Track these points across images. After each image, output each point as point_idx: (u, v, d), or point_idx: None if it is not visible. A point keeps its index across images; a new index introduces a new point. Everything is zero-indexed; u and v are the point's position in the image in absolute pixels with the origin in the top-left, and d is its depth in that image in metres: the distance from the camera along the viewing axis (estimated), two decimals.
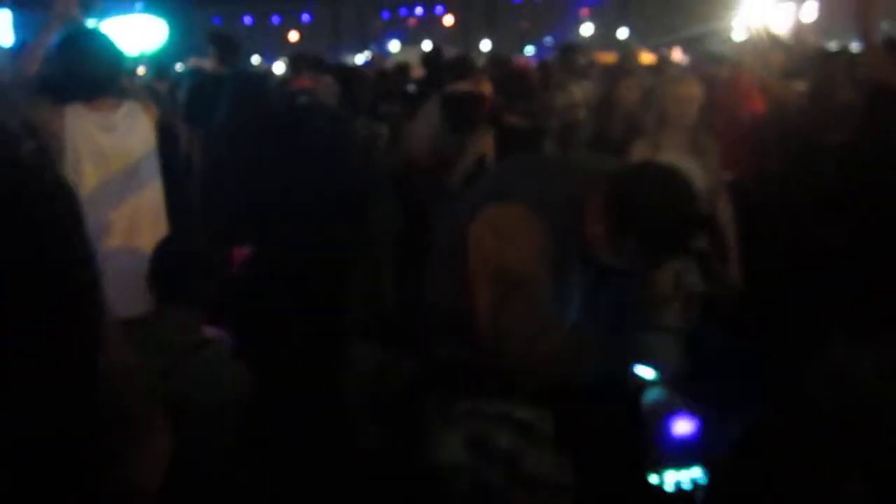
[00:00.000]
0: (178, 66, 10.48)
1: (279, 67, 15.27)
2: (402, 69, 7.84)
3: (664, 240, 1.97)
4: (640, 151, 3.95)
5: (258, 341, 3.50)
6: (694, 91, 4.16)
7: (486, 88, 5.38)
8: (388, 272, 4.94)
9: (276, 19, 33.66)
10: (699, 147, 4.12)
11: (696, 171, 3.65)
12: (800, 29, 12.08)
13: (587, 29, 30.22)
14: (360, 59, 21.66)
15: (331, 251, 4.37)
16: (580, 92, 6.02)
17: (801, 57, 5.74)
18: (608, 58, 13.08)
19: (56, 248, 0.87)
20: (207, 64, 6.38)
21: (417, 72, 8.82)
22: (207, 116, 5.08)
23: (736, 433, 1.94)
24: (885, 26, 5.84)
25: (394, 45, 30.64)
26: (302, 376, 3.33)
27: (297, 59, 6.49)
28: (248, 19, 32.16)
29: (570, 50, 7.01)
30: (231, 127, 4.49)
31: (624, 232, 1.98)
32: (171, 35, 8.04)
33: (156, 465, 1.17)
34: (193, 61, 12.89)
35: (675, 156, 3.71)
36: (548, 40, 31.72)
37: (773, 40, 5.70)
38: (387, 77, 7.33)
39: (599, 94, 5.65)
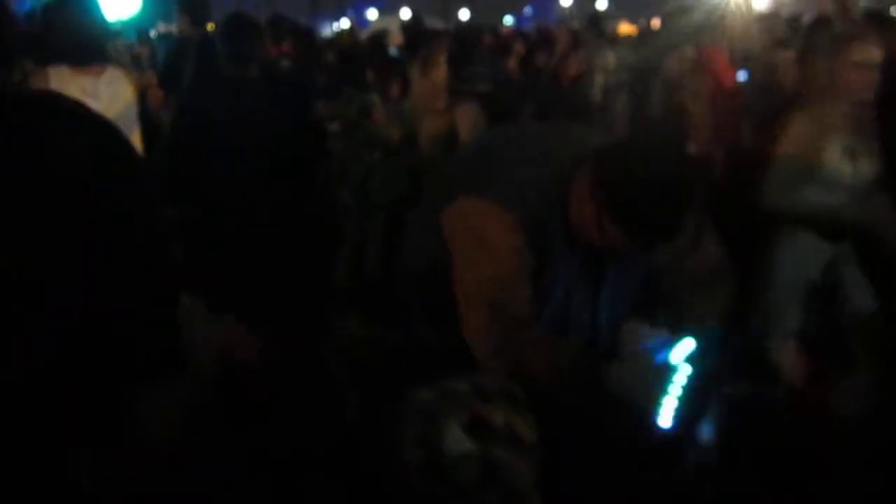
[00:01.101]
0: (153, 33, 10.36)
1: None
2: (380, 37, 7.79)
3: (653, 222, 1.87)
4: (797, 131, 3.31)
5: (232, 307, 3.48)
6: (876, 56, 3.33)
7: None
8: (375, 242, 4.94)
9: None
10: (864, 125, 3.41)
11: (867, 158, 3.31)
12: (778, 2, 12.13)
13: (566, 0, 30.04)
14: (337, 26, 21.46)
15: (306, 218, 4.33)
16: (613, 59, 6.12)
17: (779, 28, 5.77)
18: (627, 29, 13.04)
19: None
20: (175, 28, 6.31)
21: (396, 39, 8.77)
22: (179, 81, 5.04)
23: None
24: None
25: (371, 13, 30.35)
26: (282, 345, 3.32)
27: (277, 24, 6.41)
28: None
29: (598, 19, 7.12)
30: (196, 90, 4.43)
31: (611, 213, 1.88)
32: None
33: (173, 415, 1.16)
34: (161, 26, 12.73)
35: (844, 137, 3.30)
36: (527, 11, 31.54)
37: (749, 12, 5.72)
38: (362, 46, 7.27)
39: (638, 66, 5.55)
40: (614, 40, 7.16)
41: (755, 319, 3.06)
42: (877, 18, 5.75)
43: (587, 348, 2.04)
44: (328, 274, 4.72)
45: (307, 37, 6.64)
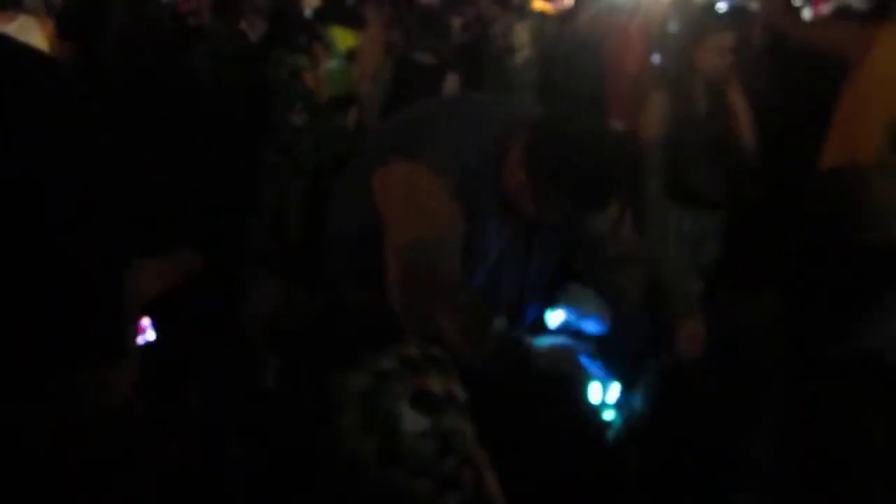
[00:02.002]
0: None
1: None
2: None
3: (587, 190, 1.93)
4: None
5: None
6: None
7: None
8: (295, 204, 4.87)
9: None
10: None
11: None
12: None
13: None
14: None
15: (221, 179, 4.24)
16: (525, 32, 6.06)
17: (694, 11, 5.87)
18: (541, 5, 13.05)
19: None
20: None
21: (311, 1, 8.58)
22: (84, 32, 4.84)
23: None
24: None
25: None
26: (197, 309, 3.24)
27: None
28: None
29: None
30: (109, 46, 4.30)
31: (545, 182, 1.93)
32: None
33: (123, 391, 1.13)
34: None
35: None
36: None
37: None
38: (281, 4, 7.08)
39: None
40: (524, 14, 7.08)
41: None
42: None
43: (509, 326, 2.05)
44: (245, 234, 4.64)
45: None
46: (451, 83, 4.79)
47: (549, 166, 1.92)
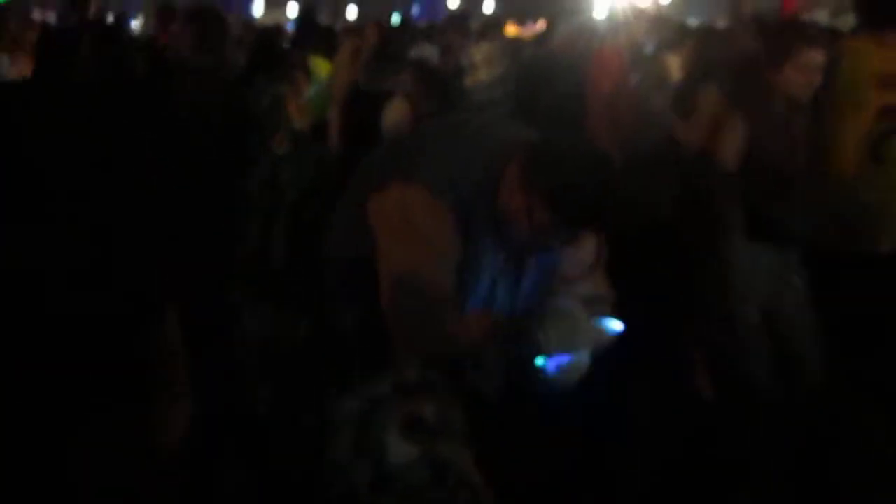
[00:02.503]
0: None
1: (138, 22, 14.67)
2: (280, 31, 7.70)
3: (585, 208, 1.95)
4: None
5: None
6: None
7: None
8: (280, 236, 4.85)
9: None
10: None
11: None
12: (659, 8, 12.55)
13: (453, 2, 30.25)
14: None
15: (206, 209, 4.25)
16: (480, 54, 6.16)
17: (668, 31, 5.95)
18: (514, 30, 13.23)
19: None
20: (51, 17, 6.08)
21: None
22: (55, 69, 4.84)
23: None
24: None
25: (258, 9, 29.81)
26: (188, 336, 3.22)
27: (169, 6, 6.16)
28: None
29: (464, 17, 7.15)
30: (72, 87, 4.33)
31: (542, 202, 1.94)
32: None
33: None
34: (36, 13, 12.21)
35: None
36: (415, 10, 31.60)
37: (638, 15, 5.87)
38: (273, 37, 7.12)
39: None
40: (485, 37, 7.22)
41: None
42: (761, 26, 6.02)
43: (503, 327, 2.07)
44: (231, 262, 4.63)
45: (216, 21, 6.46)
46: (396, 109, 4.85)
47: (548, 187, 1.94)
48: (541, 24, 13.51)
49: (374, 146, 2.44)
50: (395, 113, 4.80)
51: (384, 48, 5.33)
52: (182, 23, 4.97)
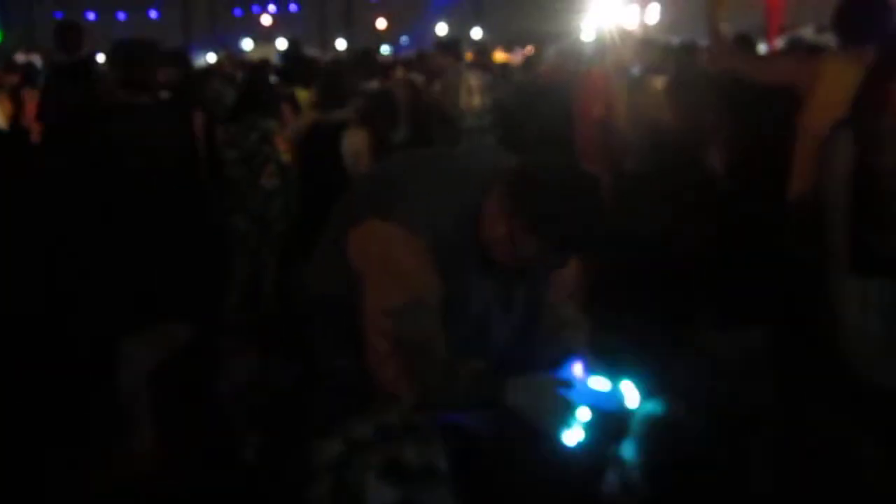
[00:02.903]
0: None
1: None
2: (267, 64, 7.71)
3: (572, 233, 1.89)
4: None
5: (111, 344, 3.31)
6: None
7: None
8: (270, 272, 4.81)
9: (121, 15, 32.33)
10: None
11: None
12: (646, 29, 12.60)
13: (442, 29, 30.46)
14: (212, 57, 21.17)
15: (192, 251, 4.21)
16: (475, 80, 6.22)
17: (654, 53, 5.96)
18: (502, 56, 13.36)
19: None
20: (36, 58, 6.17)
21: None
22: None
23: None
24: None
25: (247, 44, 29.99)
26: (170, 383, 3.16)
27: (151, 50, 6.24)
28: (91, 15, 30.69)
29: (455, 43, 7.21)
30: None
31: (527, 229, 1.89)
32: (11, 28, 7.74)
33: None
34: (20, 55, 12.29)
35: None
36: (404, 40, 31.82)
37: (625, 38, 5.86)
38: (252, 70, 7.14)
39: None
40: (484, 66, 7.26)
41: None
42: (746, 43, 6.03)
43: (487, 370, 2.00)
44: (219, 305, 4.57)
45: (185, 62, 6.50)
46: (353, 137, 4.86)
47: (529, 212, 1.89)
48: (528, 50, 13.62)
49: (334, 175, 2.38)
50: (354, 140, 4.82)
51: (337, 82, 5.37)
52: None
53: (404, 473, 1.22)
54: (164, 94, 5.53)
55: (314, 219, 2.60)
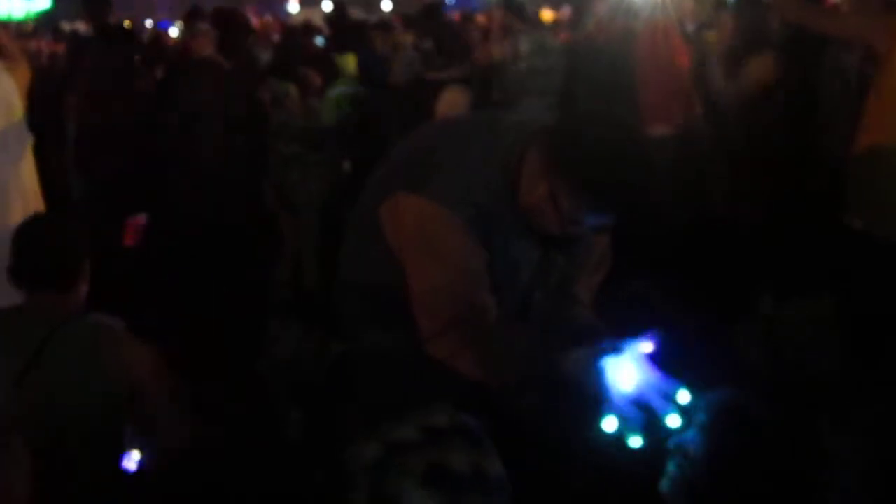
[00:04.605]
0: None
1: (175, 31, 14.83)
2: (309, 28, 7.57)
3: (618, 190, 1.75)
4: None
5: (165, 321, 3.28)
6: None
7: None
8: (310, 249, 4.73)
9: None
10: None
11: None
12: None
13: None
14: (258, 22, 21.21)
15: (238, 223, 4.19)
16: (528, 43, 6.02)
17: (707, 8, 5.78)
18: (549, 16, 13.11)
19: None
20: (81, 26, 6.14)
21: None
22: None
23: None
24: None
25: (293, 6, 29.91)
26: (218, 360, 3.12)
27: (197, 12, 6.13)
28: None
29: (521, 5, 7.01)
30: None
31: (570, 188, 1.78)
32: None
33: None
34: (65, 24, 12.40)
35: None
36: (449, 0, 31.48)
37: None
38: (293, 35, 7.01)
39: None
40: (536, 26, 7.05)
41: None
42: None
43: (541, 339, 1.93)
44: (265, 281, 4.54)
45: (239, 24, 6.41)
46: (452, 97, 4.67)
47: (568, 168, 1.77)
48: (566, 11, 13.32)
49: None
50: (454, 97, 4.64)
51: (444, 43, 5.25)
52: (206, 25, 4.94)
53: (450, 480, 1.10)
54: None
55: None
